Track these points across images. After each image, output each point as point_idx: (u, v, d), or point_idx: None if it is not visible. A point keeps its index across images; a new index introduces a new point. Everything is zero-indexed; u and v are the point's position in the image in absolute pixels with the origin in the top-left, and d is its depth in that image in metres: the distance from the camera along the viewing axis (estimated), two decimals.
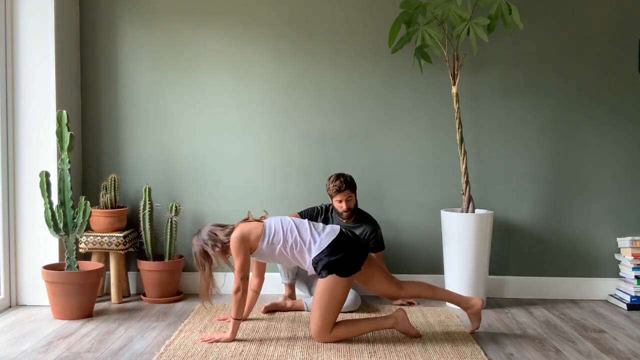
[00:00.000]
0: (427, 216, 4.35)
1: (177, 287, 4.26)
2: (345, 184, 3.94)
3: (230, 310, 3.60)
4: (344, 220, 4.03)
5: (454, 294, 3.59)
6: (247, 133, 4.41)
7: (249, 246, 3.36)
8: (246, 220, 3.46)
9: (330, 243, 3.33)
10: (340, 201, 3.96)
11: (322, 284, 3.29)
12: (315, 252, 3.33)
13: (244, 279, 3.31)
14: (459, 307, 3.64)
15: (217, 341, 3.30)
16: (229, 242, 3.37)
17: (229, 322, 3.55)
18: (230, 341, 3.32)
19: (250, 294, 3.63)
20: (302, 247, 3.35)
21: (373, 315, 3.81)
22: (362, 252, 3.39)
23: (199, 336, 3.40)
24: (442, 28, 4.10)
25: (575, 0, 4.31)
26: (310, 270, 3.41)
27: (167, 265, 4.16)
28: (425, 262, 4.32)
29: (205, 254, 3.39)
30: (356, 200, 4.04)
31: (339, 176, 3.97)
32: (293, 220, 3.45)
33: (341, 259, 3.29)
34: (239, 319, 3.34)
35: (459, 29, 3.89)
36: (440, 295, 3.58)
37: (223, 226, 3.46)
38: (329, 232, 3.39)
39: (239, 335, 3.39)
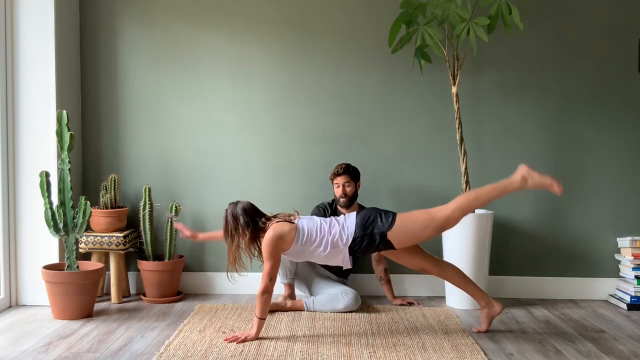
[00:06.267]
0: None
1: (177, 287, 4.26)
2: (345, 169, 4.06)
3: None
4: (345, 209, 4.05)
5: (478, 290, 3.57)
6: (247, 133, 4.41)
7: (282, 248, 3.39)
8: (277, 218, 3.47)
9: (357, 218, 3.42)
10: (338, 185, 4.06)
11: (398, 239, 3.35)
12: (349, 239, 3.39)
13: (272, 280, 3.33)
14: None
15: (243, 340, 3.30)
16: (260, 233, 3.42)
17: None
18: (255, 339, 3.33)
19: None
20: (334, 242, 3.40)
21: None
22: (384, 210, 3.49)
23: (199, 336, 3.40)
24: (442, 28, 4.10)
25: (575, 1, 4.31)
26: (347, 263, 3.44)
27: (167, 265, 4.16)
28: None
29: (236, 226, 3.41)
30: (356, 191, 4.09)
31: (343, 163, 4.12)
32: (322, 220, 3.50)
33: (376, 220, 3.37)
34: (264, 318, 3.35)
35: (459, 29, 3.89)
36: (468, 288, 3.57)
37: (260, 212, 3.50)
38: (350, 216, 3.48)
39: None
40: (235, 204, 3.49)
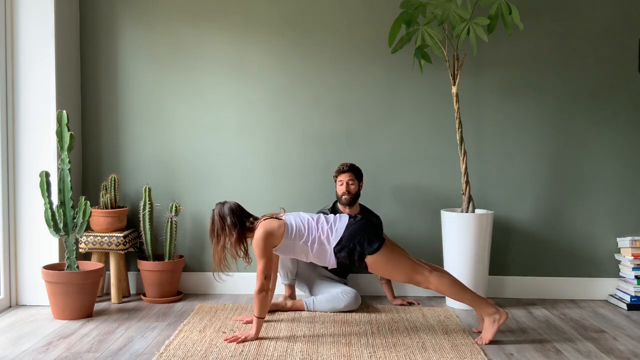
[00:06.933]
0: (427, 216, 4.35)
1: (177, 287, 4.26)
2: (350, 167, 4.09)
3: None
4: (347, 208, 4.05)
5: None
6: (247, 133, 4.41)
7: (273, 245, 3.40)
8: (265, 217, 3.49)
9: (345, 228, 3.41)
10: (342, 183, 4.05)
11: (375, 267, 3.38)
12: (334, 241, 3.40)
13: (267, 278, 3.34)
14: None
15: (243, 340, 3.30)
16: (247, 234, 3.43)
17: (245, 323, 3.62)
18: (255, 339, 3.33)
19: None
20: (321, 240, 3.41)
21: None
22: (378, 226, 3.51)
23: (199, 336, 3.40)
24: (442, 28, 4.10)
25: (575, 1, 4.31)
26: (332, 263, 3.44)
27: (167, 265, 4.16)
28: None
29: (222, 226, 3.42)
30: (359, 191, 4.10)
31: (348, 163, 4.13)
32: (309, 216, 3.52)
33: (364, 238, 3.36)
34: (263, 317, 3.36)
35: (459, 29, 3.89)
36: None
37: (247, 213, 3.50)
38: (342, 220, 3.47)
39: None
40: (223, 204, 3.50)
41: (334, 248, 3.40)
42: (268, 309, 3.62)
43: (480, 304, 3.35)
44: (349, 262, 3.42)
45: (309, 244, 3.41)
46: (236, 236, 3.41)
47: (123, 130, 4.43)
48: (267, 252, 3.37)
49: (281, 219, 3.46)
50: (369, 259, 3.36)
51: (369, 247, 3.35)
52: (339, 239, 3.40)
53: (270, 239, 3.37)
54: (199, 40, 4.38)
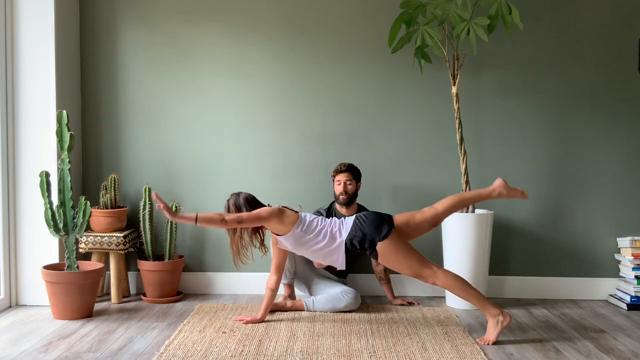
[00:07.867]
0: None
1: (177, 287, 4.26)
2: (348, 167, 4.09)
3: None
4: (344, 208, 4.06)
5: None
6: (247, 133, 4.41)
7: (278, 218, 3.42)
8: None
9: (355, 219, 3.48)
10: (340, 183, 4.06)
11: (385, 256, 3.40)
12: (345, 232, 3.45)
13: (239, 223, 3.33)
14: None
15: (174, 217, 3.35)
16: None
17: (245, 323, 3.62)
18: (174, 219, 3.36)
19: (268, 292, 3.69)
20: (333, 233, 3.46)
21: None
22: (384, 214, 3.53)
23: (199, 336, 3.40)
24: (442, 28, 4.10)
25: (575, 1, 4.31)
26: (341, 261, 3.48)
27: (167, 265, 4.16)
28: None
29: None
30: (356, 191, 4.10)
31: (346, 162, 4.14)
32: (321, 216, 3.61)
33: (373, 226, 3.41)
34: (195, 220, 3.30)
35: (459, 29, 3.89)
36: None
37: (261, 203, 3.54)
38: (351, 217, 3.55)
39: (238, 337, 3.39)
40: (238, 194, 3.56)
41: (345, 239, 3.44)
42: (262, 312, 3.66)
43: (485, 304, 3.37)
44: (360, 250, 3.45)
45: (319, 238, 3.45)
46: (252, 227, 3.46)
47: (123, 130, 4.43)
48: (264, 213, 3.38)
49: (296, 212, 3.53)
50: (380, 246, 3.38)
51: (379, 234, 3.39)
52: (349, 229, 3.46)
53: (277, 213, 3.41)
54: (199, 40, 4.39)
